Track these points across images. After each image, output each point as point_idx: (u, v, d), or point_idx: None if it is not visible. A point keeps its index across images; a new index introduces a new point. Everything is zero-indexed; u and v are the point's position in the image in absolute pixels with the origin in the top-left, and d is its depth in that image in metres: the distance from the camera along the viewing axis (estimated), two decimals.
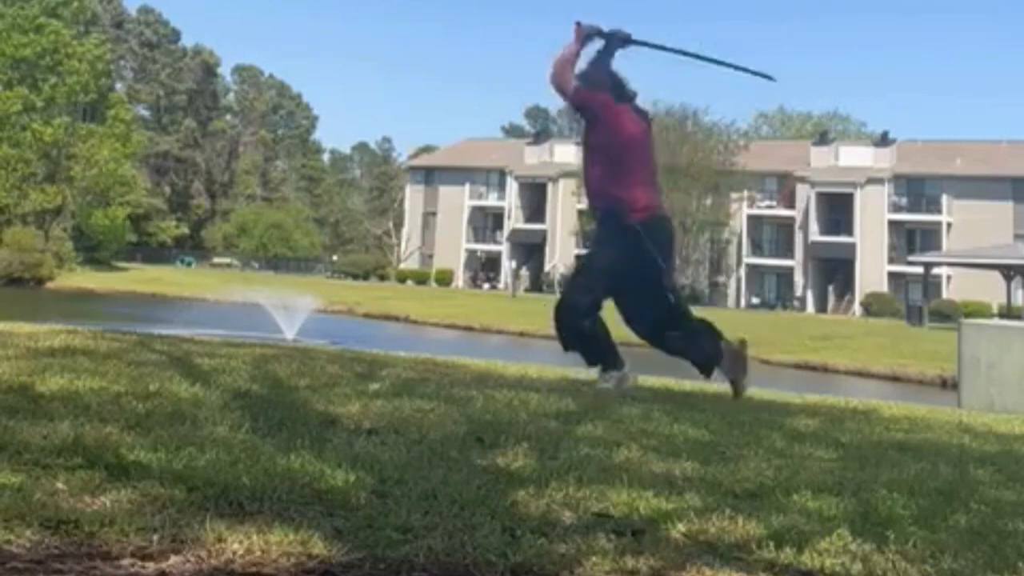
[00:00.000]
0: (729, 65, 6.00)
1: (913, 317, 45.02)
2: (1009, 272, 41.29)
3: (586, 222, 62.28)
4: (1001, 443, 4.46)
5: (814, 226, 56.60)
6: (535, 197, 64.07)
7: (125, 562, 1.89)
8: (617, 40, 5.57)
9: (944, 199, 54.86)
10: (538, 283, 60.07)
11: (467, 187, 65.35)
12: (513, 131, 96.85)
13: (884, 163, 57.42)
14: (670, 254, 5.44)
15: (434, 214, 67.12)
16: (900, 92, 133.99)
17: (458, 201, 65.25)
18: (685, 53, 5.84)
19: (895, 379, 24.61)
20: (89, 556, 1.90)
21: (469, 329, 35.28)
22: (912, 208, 56.35)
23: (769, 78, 5.95)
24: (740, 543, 2.28)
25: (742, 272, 59.28)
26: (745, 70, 5.97)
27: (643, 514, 2.46)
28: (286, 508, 2.25)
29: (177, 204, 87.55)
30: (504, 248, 63.98)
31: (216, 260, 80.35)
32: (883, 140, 59.89)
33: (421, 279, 62.48)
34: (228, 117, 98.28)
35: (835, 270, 56.43)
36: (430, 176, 68.75)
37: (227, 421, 3.15)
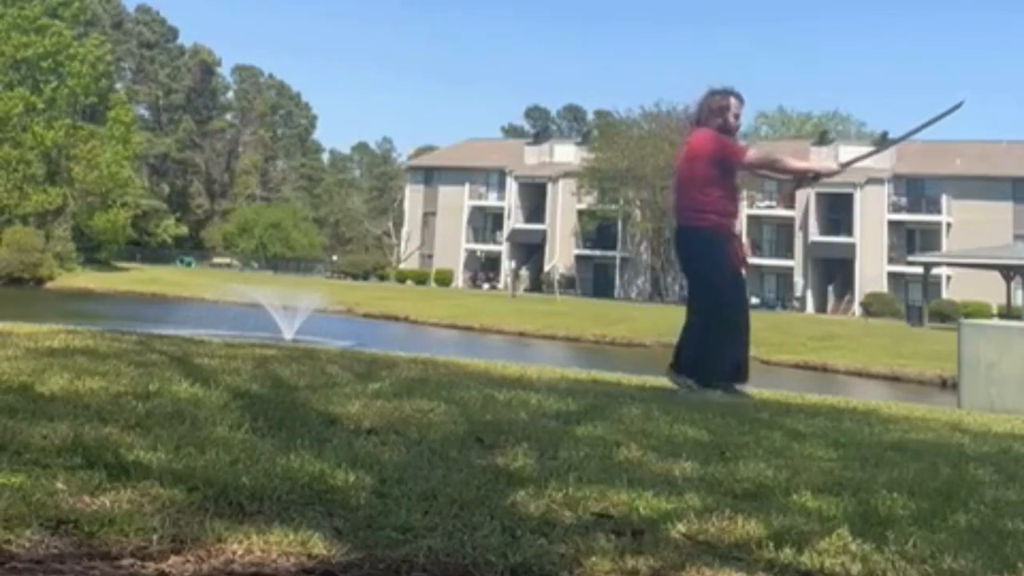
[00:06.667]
0: (931, 122, 6.11)
1: (913, 317, 45.02)
2: (1009, 272, 41.28)
3: (586, 222, 62.33)
4: (1000, 443, 4.45)
5: (814, 226, 56.60)
6: (535, 197, 64.08)
7: (125, 562, 1.89)
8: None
9: (944, 199, 54.86)
10: (537, 283, 60.10)
11: (467, 187, 65.32)
12: (513, 131, 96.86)
13: (884, 163, 57.39)
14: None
15: (434, 214, 67.08)
16: (900, 92, 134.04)
17: (458, 201, 65.22)
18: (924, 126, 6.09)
19: (895, 379, 24.63)
20: (89, 556, 1.90)
21: (469, 329, 35.24)
22: (912, 208, 56.35)
23: (959, 106, 6.01)
24: (740, 543, 2.28)
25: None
26: (942, 116, 6.01)
27: (643, 514, 2.46)
28: (286, 508, 2.25)
29: (177, 204, 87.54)
30: (504, 248, 63.97)
31: (216, 260, 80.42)
32: (883, 140, 59.89)
33: (421, 279, 62.45)
34: (227, 117, 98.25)
35: (835, 270, 56.42)
36: (430, 176, 68.71)
37: (227, 421, 3.15)
